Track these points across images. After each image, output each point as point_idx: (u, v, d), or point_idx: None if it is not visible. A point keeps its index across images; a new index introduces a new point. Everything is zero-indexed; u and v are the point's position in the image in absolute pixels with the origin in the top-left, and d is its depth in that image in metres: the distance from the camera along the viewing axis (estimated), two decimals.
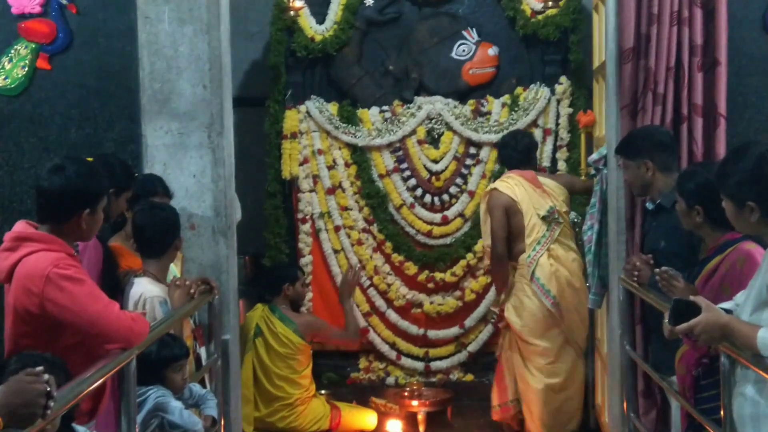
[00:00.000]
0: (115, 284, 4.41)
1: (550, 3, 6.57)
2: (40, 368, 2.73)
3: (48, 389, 2.69)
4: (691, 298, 3.25)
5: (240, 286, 5.83)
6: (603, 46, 5.68)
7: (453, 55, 7.60)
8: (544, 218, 6.27)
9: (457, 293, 7.67)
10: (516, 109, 7.46)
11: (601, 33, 5.93)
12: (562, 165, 7.40)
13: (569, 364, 6.35)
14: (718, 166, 3.52)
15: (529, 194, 6.34)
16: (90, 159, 4.16)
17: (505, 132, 7.06)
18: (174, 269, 4.90)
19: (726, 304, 3.47)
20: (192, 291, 4.55)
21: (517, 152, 6.51)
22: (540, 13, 7.41)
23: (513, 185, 6.38)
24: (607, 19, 5.34)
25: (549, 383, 6.28)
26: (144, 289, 4.38)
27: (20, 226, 3.63)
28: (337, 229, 7.67)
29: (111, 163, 4.67)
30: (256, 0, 8.07)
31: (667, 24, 5.09)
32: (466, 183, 7.62)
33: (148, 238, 4.51)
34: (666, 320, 3.37)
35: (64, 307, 3.44)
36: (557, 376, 6.31)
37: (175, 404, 4.10)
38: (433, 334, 7.67)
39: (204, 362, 4.92)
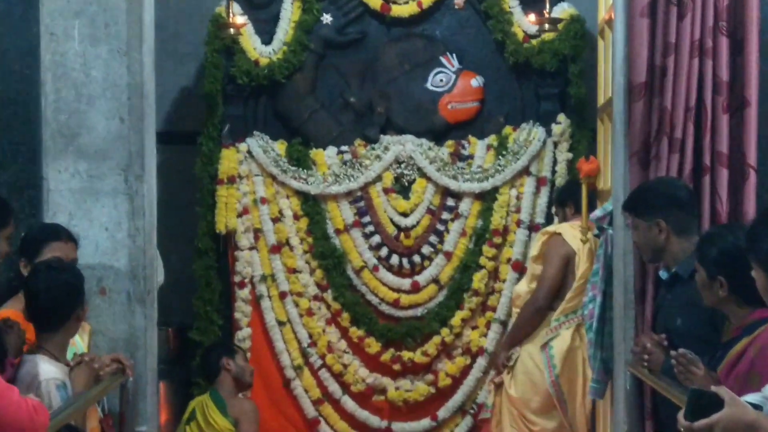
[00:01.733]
0: None
1: (547, 26, 6.55)
2: None
3: None
4: (713, 388, 3.20)
5: (161, 366, 5.80)
6: (609, 80, 5.73)
7: (428, 85, 7.66)
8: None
9: (429, 377, 7.66)
10: (504, 152, 7.49)
11: (607, 63, 5.99)
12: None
13: None
14: (749, 227, 3.56)
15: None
16: None
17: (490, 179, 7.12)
18: (80, 343, 4.86)
19: (753, 397, 3.44)
20: (99, 370, 4.49)
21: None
22: (534, 37, 7.44)
23: (579, 236, 6.43)
24: (615, 47, 5.36)
25: None
26: (38, 369, 4.28)
27: None
28: (282, 295, 7.65)
29: None
30: (187, 15, 8.13)
31: (686, 55, 5.10)
32: (441, 242, 7.65)
33: (43, 307, 4.38)
34: (681, 415, 3.36)
35: None
36: None
37: None
38: (398, 427, 7.66)
39: None
